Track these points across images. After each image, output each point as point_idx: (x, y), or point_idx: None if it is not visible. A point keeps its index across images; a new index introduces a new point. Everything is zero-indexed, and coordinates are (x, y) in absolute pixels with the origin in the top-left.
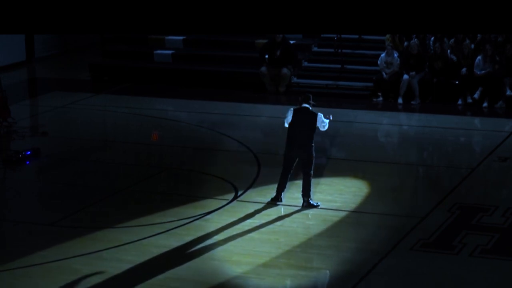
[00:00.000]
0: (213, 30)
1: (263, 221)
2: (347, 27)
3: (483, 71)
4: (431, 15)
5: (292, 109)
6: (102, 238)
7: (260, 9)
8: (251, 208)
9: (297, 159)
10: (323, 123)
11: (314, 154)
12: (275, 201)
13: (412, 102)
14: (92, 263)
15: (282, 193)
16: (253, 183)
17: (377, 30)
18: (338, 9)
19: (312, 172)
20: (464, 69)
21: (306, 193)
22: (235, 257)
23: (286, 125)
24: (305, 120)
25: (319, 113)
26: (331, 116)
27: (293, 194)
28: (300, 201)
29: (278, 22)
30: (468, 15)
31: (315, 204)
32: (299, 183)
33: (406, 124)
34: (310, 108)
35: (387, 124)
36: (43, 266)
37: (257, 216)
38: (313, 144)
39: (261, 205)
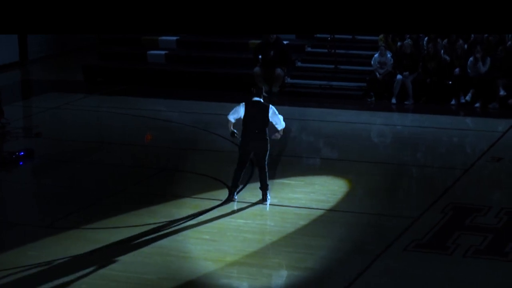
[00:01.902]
0: (207, 30)
1: (256, 222)
2: (341, 27)
3: (474, 73)
4: (424, 15)
5: (243, 103)
6: (95, 238)
7: (254, 9)
8: (244, 209)
9: (252, 152)
10: (277, 118)
11: (269, 148)
12: (231, 197)
13: (406, 102)
14: (83, 264)
15: (236, 190)
16: (246, 184)
17: (371, 30)
18: (332, 9)
19: (267, 165)
20: (457, 69)
21: (265, 187)
22: (228, 257)
23: (231, 119)
24: (257, 113)
25: (271, 106)
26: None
27: (286, 194)
28: (293, 201)
29: (272, 23)
30: (461, 15)
31: (268, 198)
32: (290, 183)
33: (400, 124)
34: (262, 100)
35: (380, 124)
36: (36, 267)
37: (250, 216)
38: (267, 138)
39: (254, 206)
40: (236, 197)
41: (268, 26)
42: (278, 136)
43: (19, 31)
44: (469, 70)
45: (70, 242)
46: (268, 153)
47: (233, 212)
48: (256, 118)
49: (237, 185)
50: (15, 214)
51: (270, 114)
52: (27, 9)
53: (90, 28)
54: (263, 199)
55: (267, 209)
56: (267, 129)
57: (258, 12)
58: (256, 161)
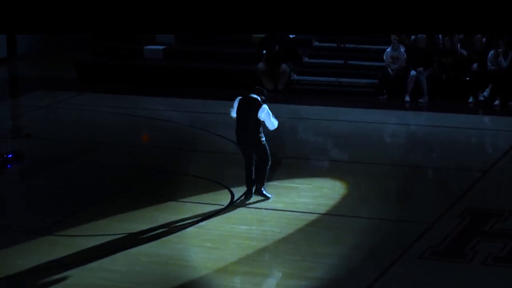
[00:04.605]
0: (206, 30)
1: (261, 228)
2: (347, 27)
3: (494, 67)
4: (437, 14)
5: (238, 98)
6: (88, 246)
7: (257, 7)
8: (248, 214)
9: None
10: (267, 117)
11: (267, 148)
12: (248, 197)
13: (420, 100)
14: (78, 274)
15: (252, 188)
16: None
17: (381, 30)
18: (338, 7)
19: (268, 166)
20: (475, 65)
21: (260, 180)
22: (231, 266)
23: (233, 114)
24: (247, 111)
25: (264, 105)
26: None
27: (292, 199)
28: (300, 206)
29: (275, 21)
30: (478, 13)
31: (267, 195)
32: (297, 187)
33: (414, 123)
34: (259, 99)
35: (393, 124)
36: (23, 277)
37: (254, 222)
38: (262, 138)
39: (259, 211)
40: (253, 195)
41: (270, 25)
42: None
43: (7, 31)
44: (489, 64)
45: (62, 250)
46: (268, 153)
47: (236, 218)
48: (246, 116)
49: (251, 181)
50: (2, 220)
51: (259, 112)
52: (17, 8)
53: (83, 27)
54: (257, 193)
55: (272, 214)
56: (260, 128)
57: (261, 10)
58: (257, 159)
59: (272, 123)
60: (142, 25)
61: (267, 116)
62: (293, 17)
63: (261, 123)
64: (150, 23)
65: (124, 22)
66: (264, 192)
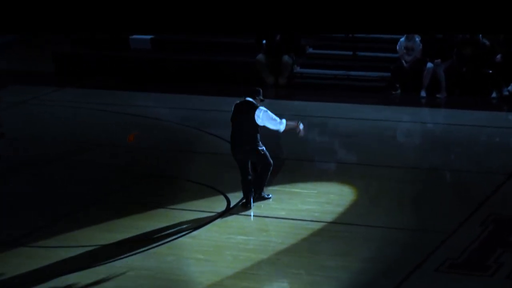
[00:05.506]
0: (199, 30)
1: (260, 238)
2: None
3: None
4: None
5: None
6: (68, 258)
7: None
8: (246, 223)
9: (248, 160)
10: (270, 120)
11: (267, 154)
12: (247, 207)
13: (437, 95)
14: None
15: (251, 197)
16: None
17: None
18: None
19: (269, 172)
20: (499, 56)
21: (260, 187)
22: (227, 281)
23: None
24: (242, 117)
25: (259, 107)
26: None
27: (296, 206)
28: (304, 214)
29: (275, 20)
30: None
31: (268, 196)
32: (301, 192)
33: (430, 121)
34: (254, 102)
35: (407, 122)
36: None
37: (253, 232)
38: (258, 146)
39: (258, 219)
40: (253, 204)
41: (271, 24)
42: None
43: None
44: None
45: (39, 262)
46: (269, 161)
47: (233, 226)
48: (242, 121)
49: (250, 191)
50: None
51: (256, 116)
52: None
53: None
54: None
55: (273, 223)
56: (257, 135)
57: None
58: (256, 166)
59: (275, 123)
60: (132, 24)
61: (265, 118)
62: (295, 15)
63: (259, 129)
64: (140, 22)
65: (111, 20)
66: (264, 194)
